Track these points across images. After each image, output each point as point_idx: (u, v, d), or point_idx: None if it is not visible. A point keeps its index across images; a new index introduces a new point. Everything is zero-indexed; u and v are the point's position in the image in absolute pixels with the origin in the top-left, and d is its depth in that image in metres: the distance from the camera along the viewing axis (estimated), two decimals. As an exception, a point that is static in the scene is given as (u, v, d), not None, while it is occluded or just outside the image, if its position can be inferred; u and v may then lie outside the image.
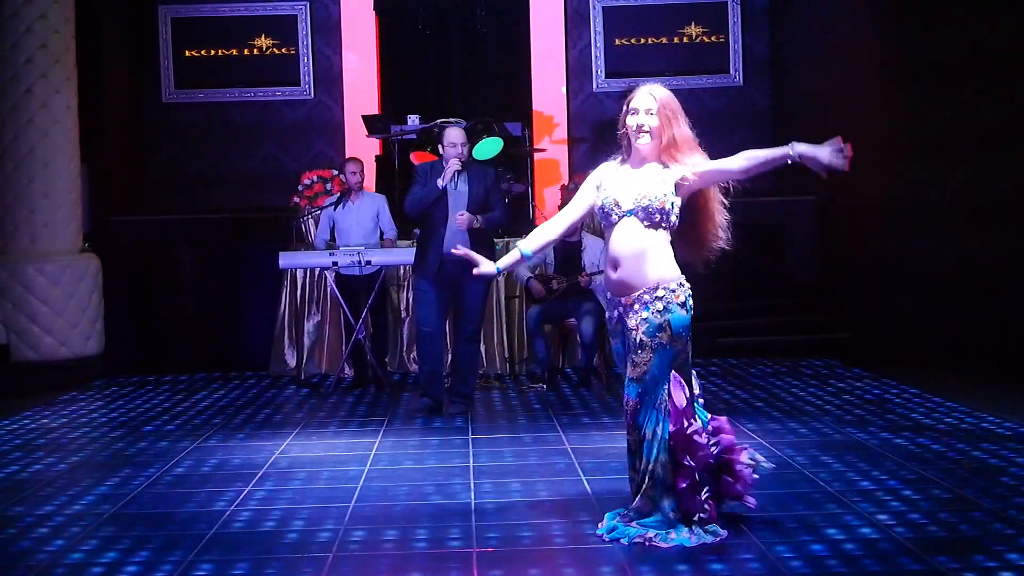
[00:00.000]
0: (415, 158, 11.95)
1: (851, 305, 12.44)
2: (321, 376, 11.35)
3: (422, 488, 6.60)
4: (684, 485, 5.29)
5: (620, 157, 5.52)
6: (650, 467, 5.34)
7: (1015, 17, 9.77)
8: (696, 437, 5.32)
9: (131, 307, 12.49)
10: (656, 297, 5.32)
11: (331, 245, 10.69)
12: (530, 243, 5.62)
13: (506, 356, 11.35)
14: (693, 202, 5.50)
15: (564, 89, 14.74)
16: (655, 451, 5.33)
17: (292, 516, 6.01)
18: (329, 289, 11.08)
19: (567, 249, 10.37)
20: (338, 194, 10.96)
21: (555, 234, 5.64)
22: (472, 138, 10.41)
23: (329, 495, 6.47)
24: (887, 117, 11.97)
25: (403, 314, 11.46)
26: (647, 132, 5.35)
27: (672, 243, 5.47)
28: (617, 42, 14.76)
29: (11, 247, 11.31)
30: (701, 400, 5.57)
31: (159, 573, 5.08)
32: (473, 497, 6.33)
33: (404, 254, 10.24)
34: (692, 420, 5.35)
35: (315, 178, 12.31)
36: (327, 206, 10.89)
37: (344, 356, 10.78)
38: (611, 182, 5.43)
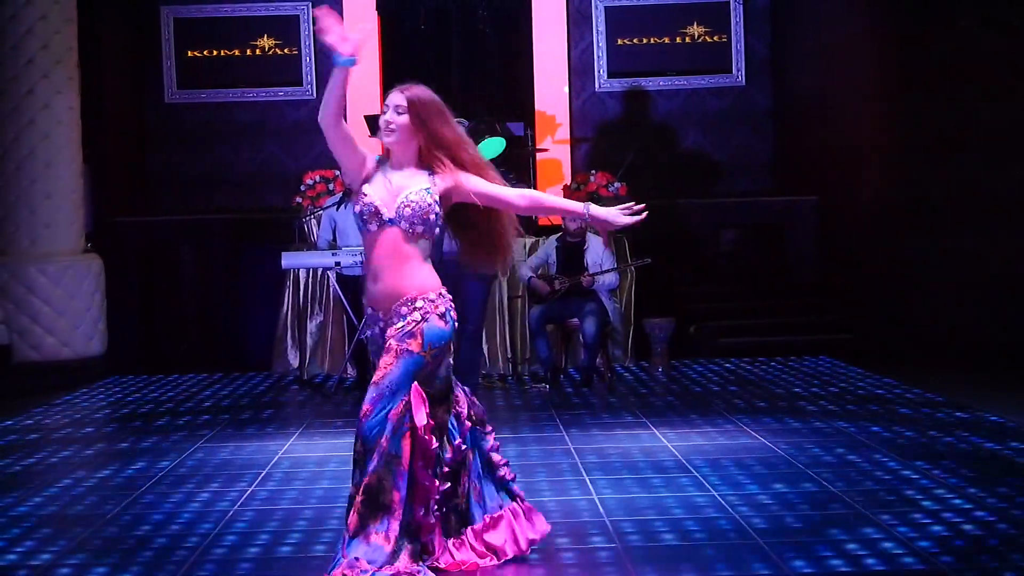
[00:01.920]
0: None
1: (852, 304, 12.43)
2: (324, 376, 11.36)
3: (425, 488, 6.58)
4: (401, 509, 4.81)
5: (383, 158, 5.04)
6: (367, 480, 4.79)
7: (1018, 17, 9.76)
8: (423, 470, 4.86)
9: (133, 307, 12.49)
10: (415, 308, 4.89)
11: (333, 245, 10.68)
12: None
13: (508, 356, 11.35)
14: (486, 211, 5.11)
15: (566, 89, 14.73)
16: (378, 464, 4.79)
17: (295, 516, 6.01)
18: (331, 289, 11.08)
19: (570, 249, 10.37)
20: (340, 194, 10.95)
21: (338, 112, 4.81)
22: (474, 138, 10.37)
23: (332, 495, 6.46)
24: (888, 117, 11.98)
25: (406, 314, 11.42)
26: (393, 131, 4.90)
27: (466, 250, 5.29)
28: (619, 42, 14.75)
29: (13, 248, 11.31)
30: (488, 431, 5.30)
31: (163, 573, 5.08)
32: (476, 497, 6.31)
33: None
34: (429, 445, 4.86)
35: (317, 178, 12.32)
36: (329, 206, 10.88)
37: (347, 356, 10.77)
38: (376, 183, 4.92)
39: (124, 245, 12.76)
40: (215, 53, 14.77)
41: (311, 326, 11.57)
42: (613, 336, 11.25)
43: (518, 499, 5.25)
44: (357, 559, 4.73)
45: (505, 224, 5.18)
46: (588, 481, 6.63)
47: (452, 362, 5.16)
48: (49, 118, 11.26)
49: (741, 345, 12.01)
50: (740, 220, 13.78)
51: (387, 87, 14.52)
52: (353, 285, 10.47)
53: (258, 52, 14.75)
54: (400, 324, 4.87)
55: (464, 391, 5.23)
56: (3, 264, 11.24)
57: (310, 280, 11.53)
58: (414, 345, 4.85)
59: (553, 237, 10.64)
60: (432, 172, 4.96)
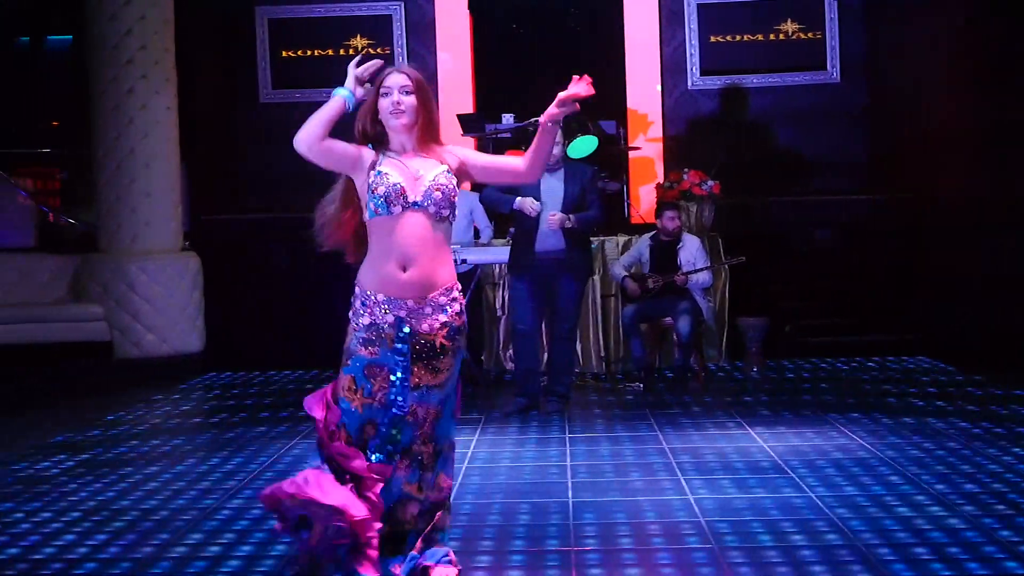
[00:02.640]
0: (509, 156, 11.94)
1: (947, 302, 12.24)
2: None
3: (519, 487, 6.60)
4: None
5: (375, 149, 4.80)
6: (438, 482, 4.79)
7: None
8: None
9: (231, 304, 12.64)
10: (453, 299, 4.76)
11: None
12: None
13: (602, 355, 11.33)
14: None
15: (659, 87, 14.67)
16: (450, 465, 4.86)
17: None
18: (425, 287, 11.10)
19: (663, 247, 10.32)
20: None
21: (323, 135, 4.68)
22: (567, 137, 10.38)
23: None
24: (982, 112, 11.78)
25: (499, 312, 11.48)
26: (403, 111, 4.74)
27: None
28: (712, 39, 14.65)
29: (114, 246, 11.52)
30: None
31: (263, 567, 5.13)
32: (570, 496, 6.32)
33: (499, 253, 10.24)
34: None
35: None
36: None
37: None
38: (390, 165, 4.73)
39: (221, 243, 12.92)
40: (309, 53, 14.91)
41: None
42: (707, 335, 11.19)
43: None
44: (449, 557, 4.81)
45: None
46: (683, 481, 6.60)
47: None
48: (147, 118, 11.44)
49: (837, 344, 11.88)
50: (835, 218, 13.62)
51: (479, 87, 14.70)
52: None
53: (351, 52, 14.84)
54: (444, 319, 4.71)
55: None
56: (104, 261, 11.45)
57: (403, 279, 11.56)
58: (463, 342, 4.80)
59: (646, 236, 10.60)
60: (434, 154, 4.82)
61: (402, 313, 4.67)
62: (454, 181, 4.78)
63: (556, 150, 8.84)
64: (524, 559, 5.18)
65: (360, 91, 4.75)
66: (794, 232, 13.47)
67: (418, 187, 4.69)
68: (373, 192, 4.67)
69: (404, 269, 4.67)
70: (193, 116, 12.97)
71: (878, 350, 11.61)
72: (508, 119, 12.93)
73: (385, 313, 4.68)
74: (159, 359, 11.41)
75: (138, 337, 11.36)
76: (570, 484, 6.61)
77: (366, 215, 4.71)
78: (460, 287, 4.85)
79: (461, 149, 4.98)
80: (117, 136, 11.40)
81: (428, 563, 4.74)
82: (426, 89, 4.86)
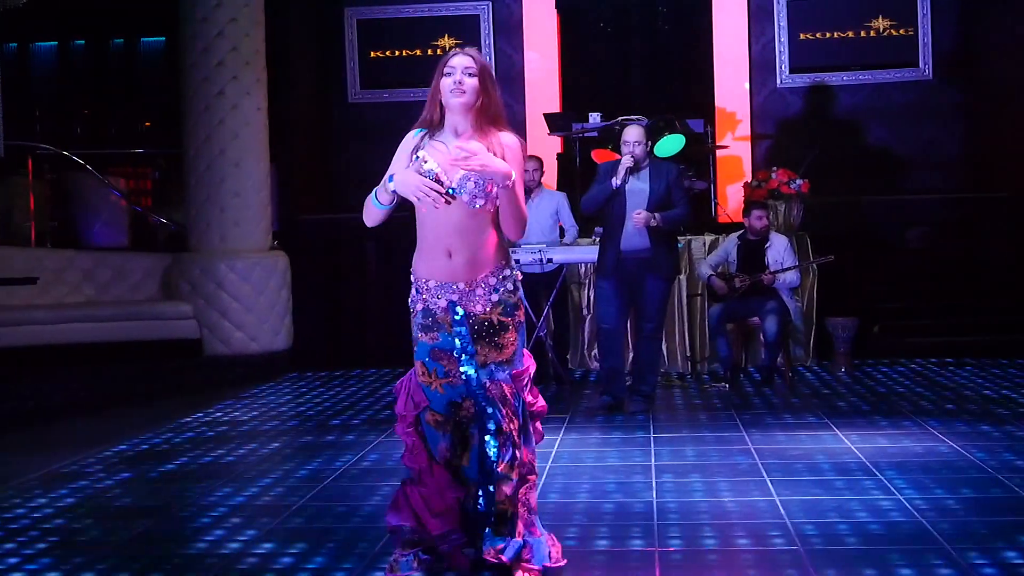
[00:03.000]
0: (596, 156, 11.93)
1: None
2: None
3: (603, 486, 6.58)
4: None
5: (425, 132, 4.85)
6: (524, 457, 4.85)
7: None
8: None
9: (318, 303, 12.74)
10: (504, 277, 4.80)
11: (512, 243, 10.72)
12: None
13: (688, 355, 11.28)
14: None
15: (747, 85, 14.56)
16: (529, 437, 4.93)
17: (474, 511, 6.06)
18: (511, 286, 11.11)
19: (750, 247, 10.25)
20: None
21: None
22: (654, 135, 10.36)
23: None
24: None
25: (584, 312, 11.46)
26: (464, 91, 4.70)
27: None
28: (802, 36, 14.51)
29: (203, 245, 11.66)
30: None
31: (347, 563, 5.17)
32: (655, 496, 6.29)
33: (585, 252, 10.23)
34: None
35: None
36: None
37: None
38: (433, 149, 4.76)
39: (309, 242, 13.03)
40: (397, 53, 15.00)
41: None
42: (794, 335, 11.09)
43: None
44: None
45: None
46: (768, 482, 6.54)
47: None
48: (238, 118, 11.57)
49: (928, 345, 11.71)
50: (928, 217, 13.44)
51: (566, 85, 14.68)
52: (533, 283, 10.52)
53: (439, 52, 14.89)
54: (496, 297, 4.77)
55: None
56: (194, 260, 11.60)
57: (490, 276, 11.58)
58: (521, 315, 4.87)
59: (734, 235, 10.53)
60: (487, 140, 4.76)
61: (454, 297, 4.76)
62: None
63: (639, 150, 8.80)
64: (607, 558, 5.17)
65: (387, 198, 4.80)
66: (885, 231, 13.31)
67: (454, 174, 4.68)
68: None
69: (449, 256, 4.74)
70: (283, 116, 13.10)
71: (973, 351, 11.42)
72: (595, 118, 12.90)
73: (438, 298, 4.78)
74: (247, 357, 11.54)
75: (227, 335, 11.50)
76: (654, 484, 6.57)
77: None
78: (513, 264, 4.88)
79: (510, 146, 4.82)
80: (207, 137, 11.55)
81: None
82: (489, 74, 4.80)
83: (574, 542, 5.41)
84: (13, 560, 5.36)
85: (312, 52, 14.95)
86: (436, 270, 4.78)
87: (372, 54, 15.08)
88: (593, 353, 11.24)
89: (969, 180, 14.11)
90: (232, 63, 11.56)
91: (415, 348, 4.85)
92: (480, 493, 4.83)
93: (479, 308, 4.77)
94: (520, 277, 4.91)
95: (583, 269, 11.28)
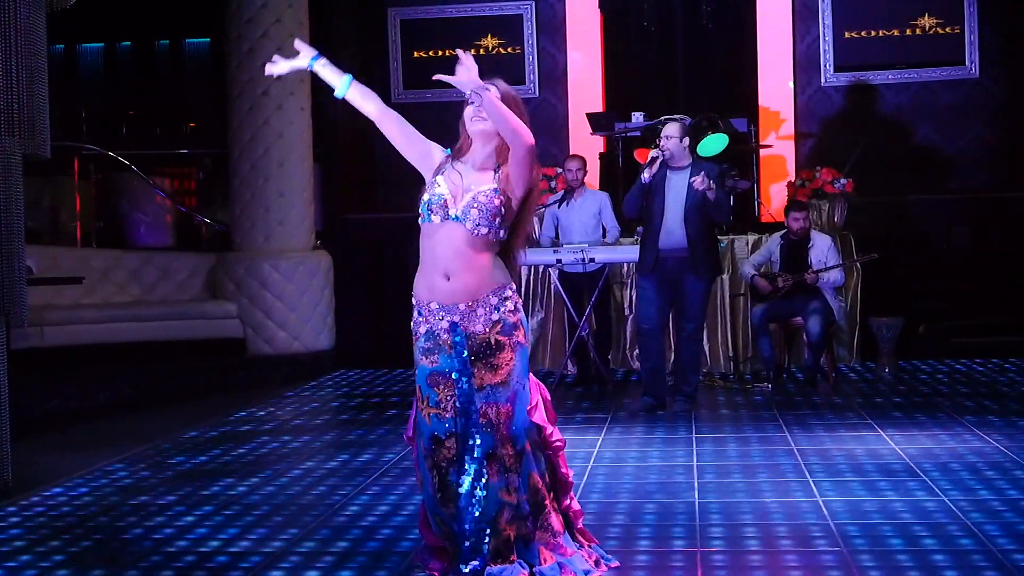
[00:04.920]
0: (639, 156, 11.91)
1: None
2: (545, 372, 11.43)
3: (645, 486, 6.58)
4: (554, 504, 4.91)
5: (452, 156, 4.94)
6: (531, 482, 4.78)
7: None
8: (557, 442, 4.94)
9: (361, 303, 12.78)
10: (505, 298, 4.78)
11: (555, 243, 10.74)
12: (356, 89, 5.16)
13: (730, 355, 11.23)
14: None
15: (791, 84, 14.48)
16: (535, 461, 4.84)
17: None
18: (553, 286, 11.14)
19: (793, 246, 10.20)
20: (562, 192, 11.00)
21: (371, 111, 5.16)
22: (697, 134, 10.33)
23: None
24: None
25: (626, 312, 11.45)
26: (485, 119, 4.79)
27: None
28: (846, 35, 14.40)
29: (247, 244, 11.73)
30: None
31: (389, 563, 5.18)
32: (697, 496, 6.28)
33: (627, 252, 10.21)
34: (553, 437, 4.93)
35: (539, 176, 12.37)
36: (551, 204, 10.93)
37: (567, 353, 10.82)
38: (448, 174, 4.83)
39: (352, 242, 13.07)
40: (440, 53, 15.00)
41: (532, 323, 11.65)
42: (838, 335, 11.03)
43: None
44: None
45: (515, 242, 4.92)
46: (811, 482, 6.51)
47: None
48: (282, 118, 11.63)
49: (974, 346, 11.62)
50: (974, 216, 13.33)
51: (609, 84, 14.66)
52: (575, 282, 10.52)
53: (482, 52, 14.92)
54: (496, 316, 4.74)
55: None
56: (238, 260, 11.67)
57: (531, 277, 11.62)
58: (521, 336, 4.79)
59: (777, 234, 10.48)
60: (499, 169, 4.79)
61: (456, 318, 4.77)
62: (500, 199, 4.74)
63: (670, 144, 8.77)
64: (650, 559, 5.16)
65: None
66: (931, 231, 13.22)
67: (461, 201, 4.74)
68: (422, 197, 4.83)
69: (448, 279, 4.76)
70: (326, 116, 13.15)
71: (1019, 351, 11.33)
72: (638, 117, 12.87)
73: (440, 320, 4.80)
74: (290, 356, 11.60)
75: (270, 334, 11.56)
76: (696, 484, 6.56)
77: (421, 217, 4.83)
78: (514, 286, 4.86)
79: (518, 179, 4.79)
80: (252, 137, 11.61)
81: None
82: (515, 104, 4.80)
83: (616, 542, 5.41)
84: (59, 557, 5.42)
85: (356, 52, 14.98)
86: (436, 292, 4.79)
87: (415, 54, 15.10)
88: (635, 353, 11.22)
89: (1016, 179, 13.97)
90: (276, 63, 11.59)
91: (415, 371, 4.87)
92: (466, 518, 4.73)
93: (479, 328, 4.75)
94: (519, 300, 4.87)
95: (625, 269, 11.26)
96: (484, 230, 4.72)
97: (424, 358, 4.84)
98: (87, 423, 9.37)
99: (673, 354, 9.83)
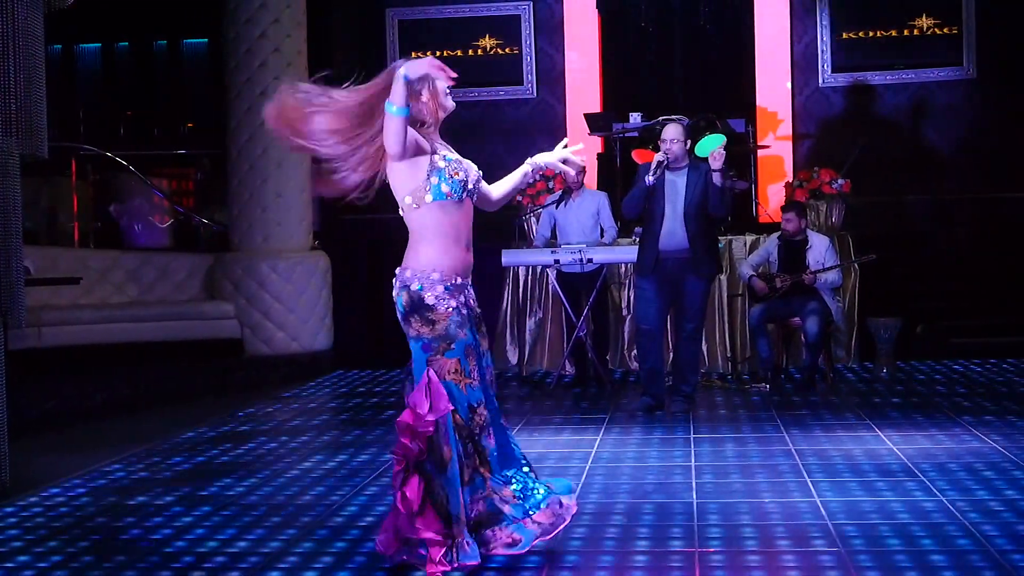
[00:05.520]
0: (637, 156, 11.91)
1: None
2: (543, 373, 11.43)
3: (643, 487, 6.58)
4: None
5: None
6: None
7: None
8: None
9: (359, 303, 12.78)
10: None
11: (552, 243, 10.74)
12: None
13: (728, 355, 11.25)
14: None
15: (789, 84, 14.49)
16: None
17: (514, 511, 6.06)
18: (551, 287, 11.14)
19: (791, 247, 10.20)
20: (559, 192, 11.01)
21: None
22: (694, 135, 10.32)
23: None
24: None
25: (624, 312, 11.46)
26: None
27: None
28: (844, 35, 14.42)
29: (245, 245, 11.73)
30: None
31: (388, 563, 5.18)
32: (695, 497, 6.28)
33: (625, 252, 10.22)
34: None
35: (537, 176, 12.36)
36: (549, 204, 10.94)
37: (565, 353, 10.82)
38: (448, 153, 5.00)
39: (350, 242, 13.08)
40: (438, 53, 14.97)
41: (530, 323, 11.67)
42: (836, 335, 11.04)
43: None
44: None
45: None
46: (809, 483, 6.51)
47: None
48: (280, 119, 11.60)
49: (972, 346, 11.63)
50: (971, 217, 13.35)
51: (607, 85, 14.66)
52: (573, 283, 10.52)
53: (480, 52, 14.93)
54: (472, 291, 5.09)
55: None
56: (236, 260, 11.67)
57: (529, 277, 11.62)
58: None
59: (774, 235, 10.49)
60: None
61: (469, 291, 5.06)
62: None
63: (675, 147, 8.77)
64: (648, 559, 5.16)
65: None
66: (928, 231, 13.23)
67: (474, 174, 5.04)
68: (451, 177, 4.91)
69: (468, 250, 5.02)
70: (325, 117, 13.13)
71: (1017, 352, 11.34)
72: (636, 118, 12.89)
73: (464, 293, 5.01)
74: (288, 357, 11.60)
75: (268, 335, 11.56)
76: (695, 485, 6.56)
77: (429, 197, 4.89)
78: None
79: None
80: (250, 137, 11.61)
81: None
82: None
83: (614, 542, 5.41)
84: (57, 558, 5.41)
85: (354, 52, 14.99)
86: (461, 266, 4.97)
87: (413, 54, 15.08)
88: (633, 353, 11.22)
89: (1013, 180, 13.98)
90: (274, 64, 11.62)
91: (452, 345, 4.91)
92: (508, 467, 5.06)
93: (473, 300, 5.08)
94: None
95: (623, 269, 11.27)
96: (475, 199, 5.10)
97: (461, 331, 4.93)
98: (85, 423, 9.37)
99: (672, 354, 9.83)
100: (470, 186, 4.97)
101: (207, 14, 13.31)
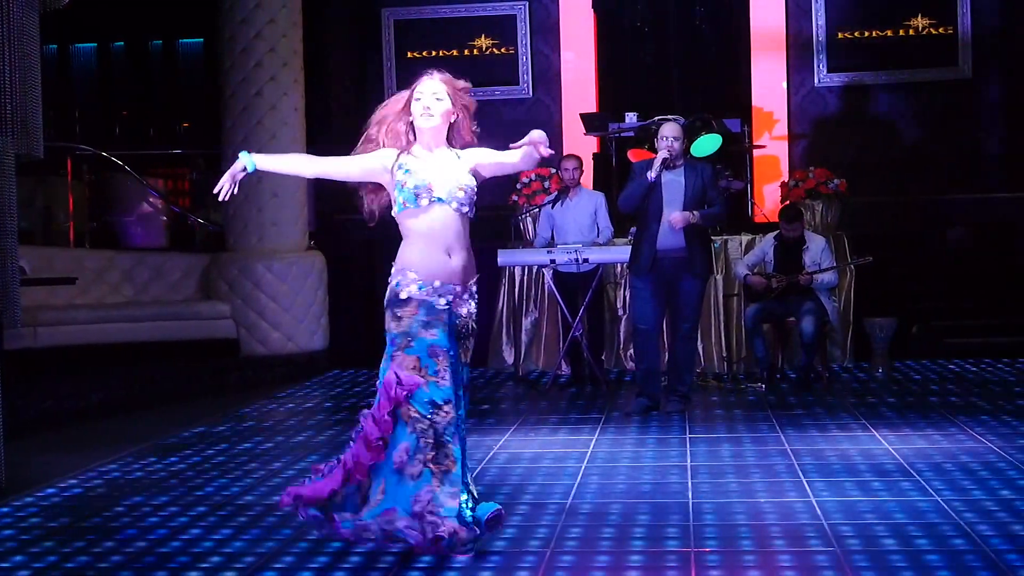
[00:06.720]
0: (632, 156, 11.92)
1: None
2: (539, 373, 11.44)
3: (639, 486, 6.58)
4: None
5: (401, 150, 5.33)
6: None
7: None
8: None
9: (355, 303, 12.77)
10: (476, 290, 5.36)
11: (550, 243, 10.74)
12: (265, 160, 5.35)
13: (724, 355, 11.25)
14: None
15: (784, 84, 14.49)
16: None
17: (509, 511, 6.04)
18: (547, 287, 11.14)
19: (787, 247, 10.21)
20: (556, 192, 11.00)
21: (308, 170, 5.66)
22: (690, 135, 10.35)
23: (546, 491, 6.50)
24: None
25: (620, 312, 11.47)
26: (432, 116, 5.27)
27: None
28: (840, 35, 14.42)
29: (241, 245, 11.72)
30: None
31: (383, 563, 5.18)
32: (691, 496, 6.28)
33: (621, 252, 10.21)
34: None
35: (533, 176, 12.38)
36: (545, 204, 10.94)
37: (561, 353, 10.82)
38: (416, 162, 5.26)
39: (345, 242, 13.07)
40: (434, 53, 15.00)
41: (526, 323, 11.67)
42: (832, 335, 11.04)
43: None
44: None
45: None
46: (805, 483, 6.52)
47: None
48: (276, 119, 11.62)
49: (967, 346, 11.64)
50: (967, 217, 13.36)
51: (603, 85, 14.66)
52: (569, 283, 10.53)
53: (475, 52, 14.93)
54: (472, 306, 5.31)
55: None
56: (232, 260, 11.66)
57: (525, 277, 11.63)
58: (474, 323, 5.36)
59: (770, 235, 10.49)
60: (457, 154, 5.32)
61: (451, 297, 5.22)
62: (473, 181, 5.28)
63: (676, 145, 8.78)
64: (643, 559, 5.16)
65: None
66: (924, 231, 13.24)
67: (443, 184, 5.20)
68: (402, 187, 5.22)
69: (450, 256, 5.21)
70: (320, 117, 13.14)
71: (1012, 352, 11.35)
72: (631, 118, 12.89)
73: (439, 297, 5.19)
74: (284, 357, 11.59)
75: (264, 335, 11.55)
76: (690, 485, 6.56)
77: (395, 210, 5.29)
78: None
79: (474, 151, 5.35)
80: (245, 137, 11.58)
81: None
82: (459, 93, 5.36)
83: (609, 543, 5.41)
84: (52, 558, 5.41)
85: (349, 52, 14.98)
86: (439, 270, 5.20)
87: (409, 54, 15.10)
88: (628, 353, 11.23)
89: (1009, 180, 13.99)
90: (270, 64, 11.61)
91: (411, 343, 5.15)
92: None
93: (464, 311, 5.28)
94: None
95: (618, 269, 11.27)
96: (466, 209, 5.24)
97: (424, 331, 5.16)
98: (81, 423, 9.36)
99: (667, 354, 9.83)
100: (435, 195, 5.18)
101: (202, 14, 13.30)
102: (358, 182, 5.45)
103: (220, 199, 5.24)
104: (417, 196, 5.18)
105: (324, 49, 13.95)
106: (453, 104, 5.29)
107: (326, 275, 12.06)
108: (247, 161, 5.25)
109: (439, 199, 5.18)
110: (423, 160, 5.27)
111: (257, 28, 11.59)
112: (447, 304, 5.19)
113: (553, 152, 5.33)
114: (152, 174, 14.74)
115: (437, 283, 5.17)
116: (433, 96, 5.28)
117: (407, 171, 5.22)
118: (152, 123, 16.72)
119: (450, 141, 5.35)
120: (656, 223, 8.80)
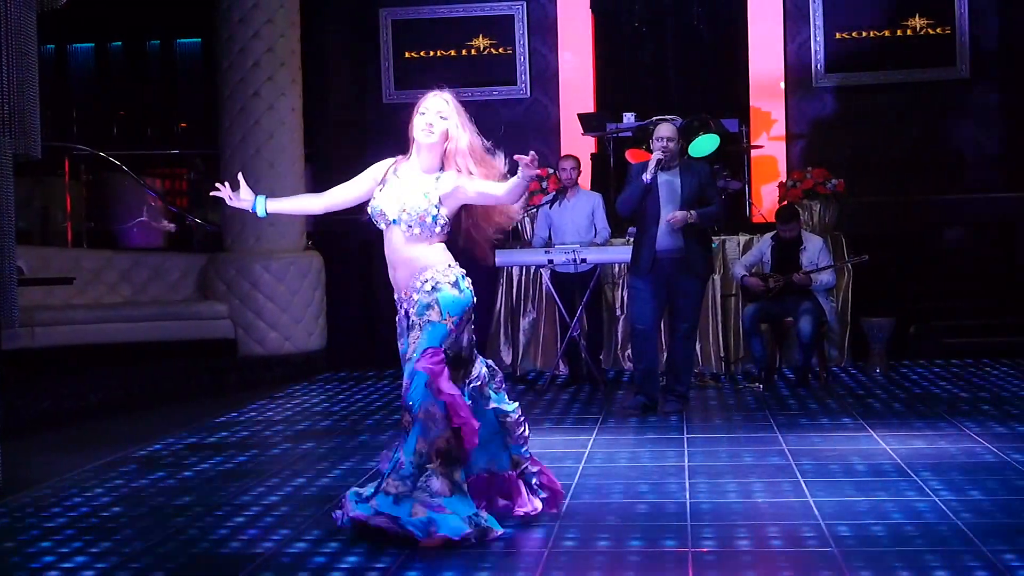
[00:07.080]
0: (630, 156, 11.91)
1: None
2: (536, 373, 11.44)
3: (636, 487, 6.57)
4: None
5: (395, 162, 5.71)
6: (416, 447, 5.41)
7: None
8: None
9: (352, 303, 12.77)
10: (424, 281, 5.44)
11: (548, 243, 10.73)
12: (275, 204, 6.04)
13: (722, 355, 11.25)
14: (469, 209, 5.64)
15: (782, 85, 14.49)
16: (424, 431, 5.42)
17: (510, 511, 6.05)
18: (544, 287, 11.14)
19: (785, 247, 10.21)
20: (554, 192, 11.00)
21: (317, 206, 6.07)
22: (688, 135, 10.35)
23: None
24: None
25: (618, 312, 11.47)
26: (433, 133, 5.49)
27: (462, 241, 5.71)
28: (837, 36, 14.41)
29: (238, 245, 11.72)
30: (495, 387, 5.71)
31: (380, 563, 5.18)
32: (688, 497, 6.28)
33: (619, 252, 10.22)
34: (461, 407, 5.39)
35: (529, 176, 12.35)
36: (543, 204, 10.94)
37: (559, 353, 10.83)
38: (388, 186, 5.60)
39: (343, 242, 13.06)
40: (432, 54, 14.99)
41: (524, 323, 11.67)
42: (829, 336, 11.05)
43: (519, 470, 5.76)
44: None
45: (483, 221, 5.68)
46: (803, 483, 6.51)
47: (474, 337, 5.66)
48: (273, 119, 11.62)
49: (966, 346, 11.65)
50: (966, 217, 13.36)
51: (601, 85, 14.66)
52: (567, 283, 10.53)
53: (473, 52, 14.91)
54: (416, 297, 5.43)
55: (488, 366, 5.72)
56: (230, 260, 11.65)
57: (523, 277, 11.63)
58: (433, 315, 5.40)
59: (768, 235, 10.50)
60: (441, 174, 5.52)
61: (406, 305, 5.54)
62: (431, 203, 5.45)
63: (671, 145, 8.79)
64: (640, 559, 5.16)
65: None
66: (922, 232, 13.24)
67: (396, 207, 5.49)
68: (371, 206, 5.64)
69: (394, 271, 5.57)
70: (318, 117, 13.14)
71: (1010, 352, 11.36)
72: (629, 118, 12.89)
73: (402, 306, 5.58)
74: (282, 357, 11.59)
75: (261, 335, 11.55)
76: (688, 485, 6.56)
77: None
78: (443, 268, 5.49)
79: (467, 179, 5.49)
80: (243, 137, 11.59)
81: None
82: (464, 116, 5.56)
83: (607, 543, 5.41)
84: (49, 559, 5.40)
85: (347, 53, 14.97)
86: (393, 282, 5.61)
87: (407, 54, 15.09)
88: (627, 353, 11.23)
89: (1007, 180, 13.99)
90: (267, 64, 11.61)
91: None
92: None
93: (412, 310, 5.49)
94: (452, 278, 5.48)
95: (616, 269, 11.27)
96: (416, 230, 5.47)
97: (400, 338, 5.63)
98: (78, 424, 9.35)
99: (665, 354, 9.83)
100: (392, 216, 5.49)
101: (200, 14, 13.30)
102: None
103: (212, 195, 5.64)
104: (375, 221, 5.60)
105: (322, 49, 13.95)
106: (459, 124, 5.51)
107: (324, 275, 12.06)
108: (259, 208, 5.85)
109: (393, 221, 5.50)
110: (402, 179, 5.56)
111: (255, 28, 11.59)
112: (401, 315, 5.61)
113: (539, 173, 5.45)
114: (150, 174, 14.74)
115: (398, 295, 5.61)
116: (437, 114, 5.49)
117: (381, 189, 5.60)
118: (150, 123, 16.72)
119: (444, 161, 5.53)
120: (655, 224, 8.80)
